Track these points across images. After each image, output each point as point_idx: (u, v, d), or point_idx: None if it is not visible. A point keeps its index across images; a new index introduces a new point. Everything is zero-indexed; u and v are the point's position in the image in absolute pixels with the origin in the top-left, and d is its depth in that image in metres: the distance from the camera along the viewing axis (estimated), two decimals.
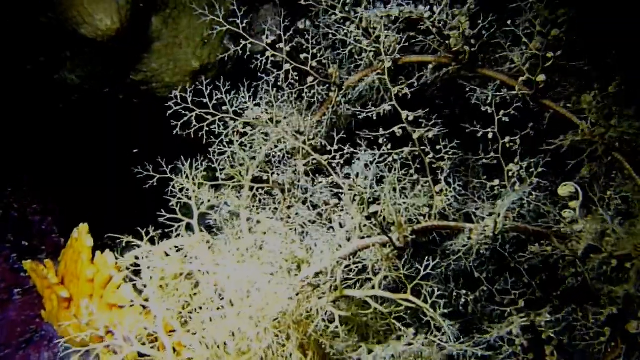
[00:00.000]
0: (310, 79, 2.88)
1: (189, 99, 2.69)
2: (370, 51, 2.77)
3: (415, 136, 2.49)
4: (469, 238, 2.26)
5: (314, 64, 2.88)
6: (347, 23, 2.85)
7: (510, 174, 2.60)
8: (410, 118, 2.54)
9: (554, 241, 2.41)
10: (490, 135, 2.62)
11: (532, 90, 2.72)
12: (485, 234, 2.20)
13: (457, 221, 2.51)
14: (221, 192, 2.75)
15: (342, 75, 2.96)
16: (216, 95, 2.74)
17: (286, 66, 2.90)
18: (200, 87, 2.71)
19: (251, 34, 3.29)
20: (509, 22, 2.73)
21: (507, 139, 2.62)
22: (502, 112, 2.62)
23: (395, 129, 2.59)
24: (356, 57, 2.89)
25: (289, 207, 2.64)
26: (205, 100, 2.74)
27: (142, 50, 2.84)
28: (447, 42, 2.71)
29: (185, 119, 2.73)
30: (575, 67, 2.83)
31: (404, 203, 2.37)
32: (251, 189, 2.66)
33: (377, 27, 2.69)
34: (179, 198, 2.55)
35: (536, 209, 2.67)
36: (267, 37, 2.99)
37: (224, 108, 2.81)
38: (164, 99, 2.79)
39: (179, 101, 2.69)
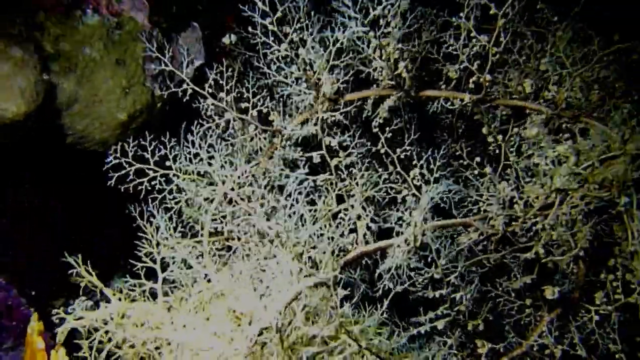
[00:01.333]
0: (251, 127, 2.81)
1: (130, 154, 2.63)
2: (310, 93, 2.66)
3: (332, 164, 2.48)
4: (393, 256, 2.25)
5: (254, 112, 2.78)
6: (289, 63, 2.73)
7: (414, 181, 2.55)
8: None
9: (474, 224, 2.40)
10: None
11: (480, 94, 2.65)
12: (409, 247, 2.19)
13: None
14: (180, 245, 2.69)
15: (289, 113, 2.86)
16: (159, 150, 2.67)
17: (227, 115, 2.82)
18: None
19: (175, 65, 3.18)
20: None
21: (398, 151, 2.59)
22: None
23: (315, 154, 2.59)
24: (296, 98, 2.76)
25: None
26: (146, 156, 2.67)
27: (61, 117, 2.73)
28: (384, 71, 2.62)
29: (123, 172, 2.67)
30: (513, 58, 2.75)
31: (331, 236, 2.33)
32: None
33: (317, 69, 2.58)
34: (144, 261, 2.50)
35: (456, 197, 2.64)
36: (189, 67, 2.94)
37: (166, 163, 2.73)
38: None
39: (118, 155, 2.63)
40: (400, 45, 2.49)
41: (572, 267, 2.46)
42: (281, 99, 2.90)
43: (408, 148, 2.57)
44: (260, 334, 1.97)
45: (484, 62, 2.56)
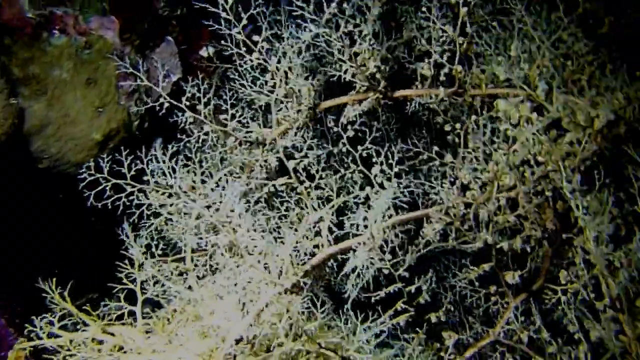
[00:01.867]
0: (231, 139, 2.75)
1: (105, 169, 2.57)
2: (288, 102, 2.61)
3: (290, 166, 2.43)
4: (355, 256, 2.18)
5: (235, 124, 2.72)
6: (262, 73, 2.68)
7: (376, 179, 2.48)
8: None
9: (433, 215, 2.33)
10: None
11: (454, 87, 2.59)
12: (371, 246, 2.13)
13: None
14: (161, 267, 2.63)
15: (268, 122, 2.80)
16: (135, 164, 2.61)
17: (206, 127, 2.77)
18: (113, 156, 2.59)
19: (151, 81, 3.14)
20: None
21: (360, 148, 2.51)
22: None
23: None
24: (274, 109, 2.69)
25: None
26: (123, 170, 2.62)
27: (33, 141, 2.69)
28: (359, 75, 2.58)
29: (99, 188, 2.62)
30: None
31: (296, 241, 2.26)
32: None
33: (292, 76, 2.53)
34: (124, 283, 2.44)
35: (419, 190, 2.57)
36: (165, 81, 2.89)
37: (144, 178, 2.68)
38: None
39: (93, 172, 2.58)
40: (372, 46, 2.45)
41: (537, 250, 2.37)
42: (260, 109, 2.85)
43: (369, 146, 2.48)
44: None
45: (454, 55, 2.51)
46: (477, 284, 2.65)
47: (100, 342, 2.23)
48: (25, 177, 2.85)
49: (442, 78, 2.61)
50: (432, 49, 2.54)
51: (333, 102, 2.65)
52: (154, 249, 2.46)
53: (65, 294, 2.17)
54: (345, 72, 2.56)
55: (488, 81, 2.62)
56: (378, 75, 2.52)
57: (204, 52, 3.37)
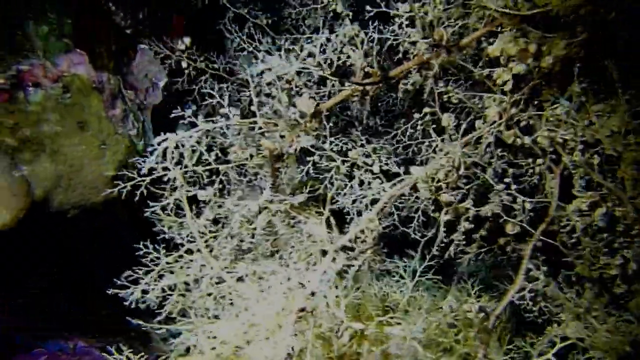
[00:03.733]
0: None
1: None
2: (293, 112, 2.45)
3: None
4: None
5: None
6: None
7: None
8: None
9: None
10: None
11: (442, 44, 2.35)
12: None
13: None
14: None
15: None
16: None
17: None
18: None
19: (140, 96, 3.05)
20: None
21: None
22: None
23: None
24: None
25: None
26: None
27: (53, 199, 2.70)
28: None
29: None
30: None
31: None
32: None
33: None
34: None
35: None
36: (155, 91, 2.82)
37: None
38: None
39: None
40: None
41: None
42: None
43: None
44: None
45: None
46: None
47: None
48: (60, 229, 2.91)
49: None
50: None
51: (335, 100, 2.42)
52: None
53: None
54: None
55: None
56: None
57: (181, 46, 3.21)
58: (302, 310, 1.86)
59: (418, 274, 2.34)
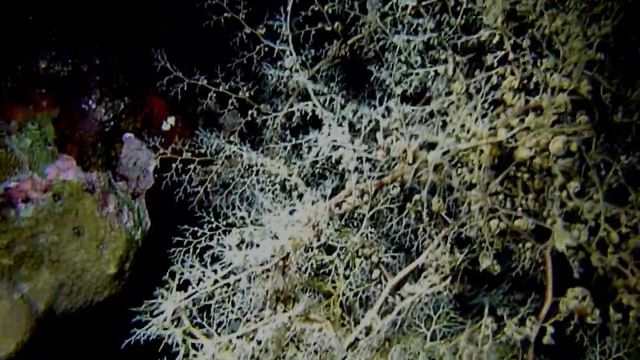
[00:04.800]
0: None
1: None
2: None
3: None
4: None
5: None
6: None
7: None
8: None
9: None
10: None
11: None
12: None
13: None
14: None
15: None
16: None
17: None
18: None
19: (131, 185, 3.03)
20: None
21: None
22: None
23: None
24: None
25: None
26: None
27: (59, 308, 2.66)
28: None
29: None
30: None
31: None
32: None
33: None
34: None
35: None
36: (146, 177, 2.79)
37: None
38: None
39: None
40: None
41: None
42: None
43: None
44: None
45: None
46: None
47: None
48: (71, 331, 2.87)
49: None
50: None
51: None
52: None
53: None
54: None
55: None
56: None
57: (165, 127, 3.18)
58: None
59: None
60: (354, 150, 1.83)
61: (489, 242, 1.86)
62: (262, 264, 1.90)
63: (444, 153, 1.74)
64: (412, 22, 2.17)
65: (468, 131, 1.79)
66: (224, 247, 1.98)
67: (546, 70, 1.91)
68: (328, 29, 2.65)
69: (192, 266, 2.03)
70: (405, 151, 1.77)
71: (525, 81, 1.99)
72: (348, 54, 2.65)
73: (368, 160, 1.89)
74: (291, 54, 2.54)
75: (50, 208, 2.60)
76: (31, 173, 2.58)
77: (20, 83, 2.58)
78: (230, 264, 1.90)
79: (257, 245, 1.88)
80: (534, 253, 2.00)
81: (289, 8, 2.48)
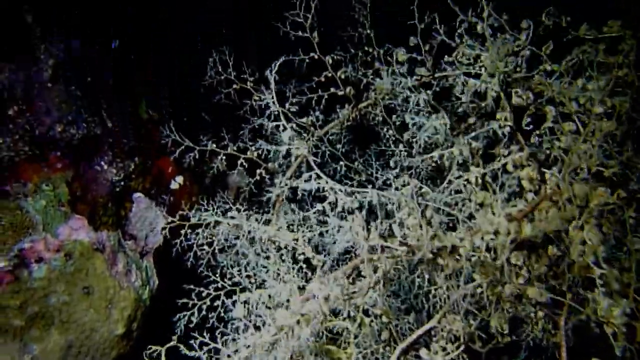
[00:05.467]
0: None
1: None
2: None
3: None
4: None
5: None
6: None
7: None
8: None
9: None
10: None
11: None
12: None
13: None
14: None
15: None
16: None
17: None
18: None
19: (140, 244, 3.07)
20: None
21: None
22: None
23: None
24: None
25: None
26: None
27: None
28: None
29: None
30: None
31: None
32: None
33: None
34: None
35: None
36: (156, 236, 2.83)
37: None
38: None
39: None
40: None
41: None
42: None
43: None
44: None
45: None
46: None
47: None
48: None
49: None
50: None
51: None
52: None
53: None
54: None
55: None
56: None
57: (174, 185, 3.26)
58: None
59: None
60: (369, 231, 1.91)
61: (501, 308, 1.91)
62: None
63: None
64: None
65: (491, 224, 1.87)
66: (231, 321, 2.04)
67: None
68: (340, 93, 2.79)
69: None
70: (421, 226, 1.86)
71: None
72: (358, 117, 2.78)
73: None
74: (285, 129, 2.68)
75: (62, 268, 2.65)
76: (44, 234, 2.63)
77: (38, 146, 2.66)
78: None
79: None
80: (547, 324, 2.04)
81: (272, 86, 2.65)
